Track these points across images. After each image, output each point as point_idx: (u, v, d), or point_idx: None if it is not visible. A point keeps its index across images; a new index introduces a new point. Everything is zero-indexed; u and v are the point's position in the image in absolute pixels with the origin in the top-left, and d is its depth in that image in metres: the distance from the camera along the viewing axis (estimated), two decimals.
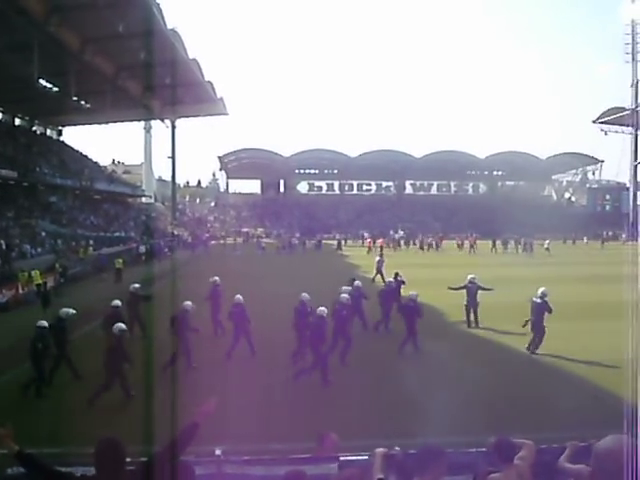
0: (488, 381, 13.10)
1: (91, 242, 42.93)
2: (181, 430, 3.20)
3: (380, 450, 4.95)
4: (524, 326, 15.68)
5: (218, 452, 5.40)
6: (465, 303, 19.13)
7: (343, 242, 63.98)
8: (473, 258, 47.68)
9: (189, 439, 3.49)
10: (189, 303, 15.27)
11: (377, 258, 32.54)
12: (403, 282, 20.93)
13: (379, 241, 58.07)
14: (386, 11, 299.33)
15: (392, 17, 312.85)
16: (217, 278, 19.11)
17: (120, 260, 36.23)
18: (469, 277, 19.44)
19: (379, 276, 29.82)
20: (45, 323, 13.03)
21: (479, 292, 19.20)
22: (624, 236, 66.35)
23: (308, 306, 15.04)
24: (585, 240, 62.77)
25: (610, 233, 62.27)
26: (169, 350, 13.78)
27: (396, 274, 21.63)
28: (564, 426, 8.09)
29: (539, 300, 15.83)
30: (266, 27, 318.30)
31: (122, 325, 13.02)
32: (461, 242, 61.02)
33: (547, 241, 55.02)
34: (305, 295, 15.44)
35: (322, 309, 13.87)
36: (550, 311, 15.59)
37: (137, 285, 19.68)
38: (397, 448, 5.05)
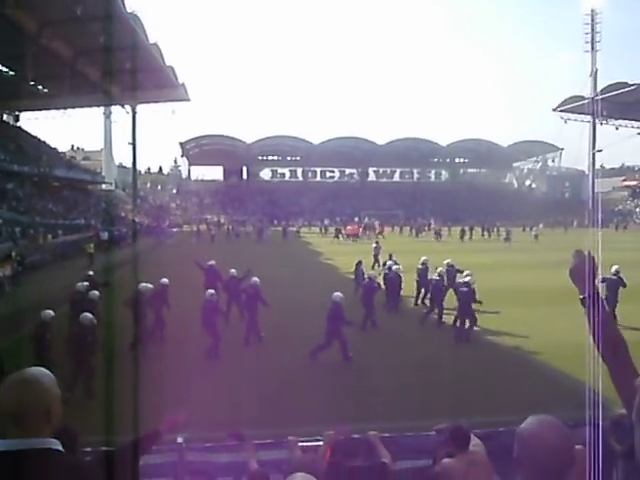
0: None
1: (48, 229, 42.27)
2: (142, 436, 3.11)
3: (329, 434, 5.03)
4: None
5: (180, 440, 5.34)
6: None
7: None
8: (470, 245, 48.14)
9: (148, 446, 3.41)
10: (166, 280, 16.43)
11: (373, 245, 32.41)
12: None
13: (349, 228, 58.77)
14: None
15: (355, 3, 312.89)
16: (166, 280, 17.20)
17: (92, 245, 36.96)
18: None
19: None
20: (51, 313, 12.54)
21: None
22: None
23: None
24: (540, 226, 63.89)
25: (575, 222, 63.39)
26: (128, 336, 13.64)
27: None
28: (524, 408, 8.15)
29: (614, 277, 16.52)
30: (227, 11, 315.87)
31: (90, 315, 12.44)
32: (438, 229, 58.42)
33: (534, 228, 56.81)
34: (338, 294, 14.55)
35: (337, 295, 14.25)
36: (625, 285, 16.41)
37: (91, 272, 19.39)
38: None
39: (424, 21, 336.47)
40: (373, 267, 27.74)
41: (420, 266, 20.23)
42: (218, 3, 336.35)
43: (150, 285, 15.74)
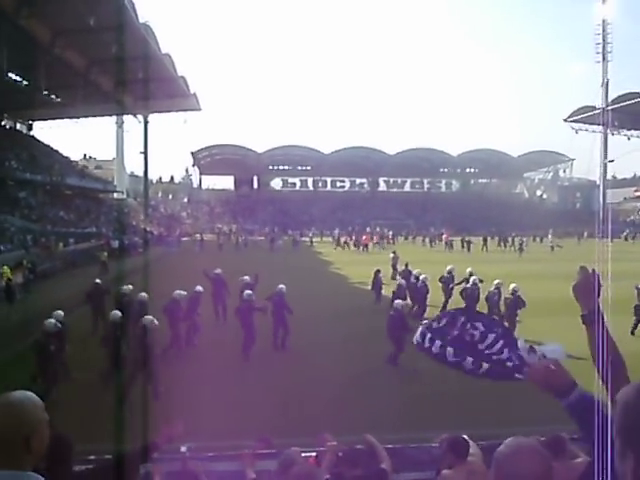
0: None
1: (61, 238, 42.49)
2: (140, 448, 3.09)
3: (331, 445, 5.03)
4: None
5: (183, 449, 5.37)
6: None
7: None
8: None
9: (146, 457, 3.39)
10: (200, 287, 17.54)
11: (391, 255, 32.34)
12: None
13: (364, 237, 58.45)
14: (359, 8, 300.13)
15: (365, 14, 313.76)
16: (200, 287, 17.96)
17: (105, 253, 37.71)
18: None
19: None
20: (54, 322, 12.58)
21: None
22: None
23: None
24: (550, 237, 63.72)
25: (586, 233, 63.01)
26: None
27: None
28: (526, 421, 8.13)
29: None
30: (240, 22, 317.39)
31: (150, 317, 12.93)
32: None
33: (550, 239, 56.60)
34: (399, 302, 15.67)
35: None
36: None
37: (99, 280, 19.56)
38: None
39: (434, 32, 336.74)
40: (394, 277, 27.66)
41: (446, 274, 20.40)
42: (229, 14, 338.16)
43: (184, 292, 16.45)
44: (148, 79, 50.69)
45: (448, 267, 22.05)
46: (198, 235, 62.90)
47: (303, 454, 5.22)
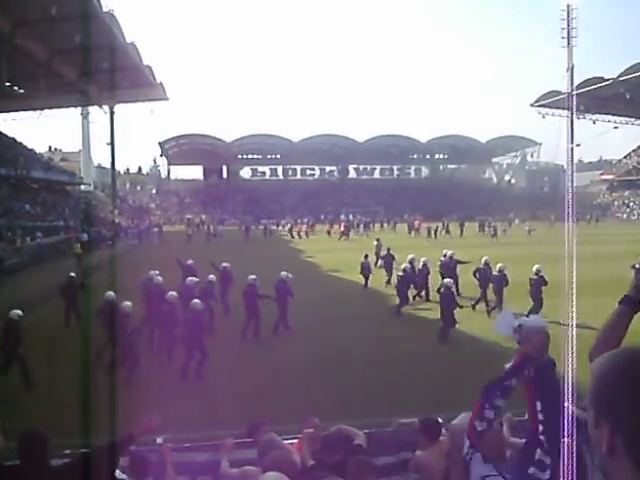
0: None
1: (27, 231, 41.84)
2: (117, 440, 3.04)
3: (308, 432, 5.04)
4: None
5: (159, 440, 5.33)
6: None
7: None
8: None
9: (123, 450, 3.35)
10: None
11: (375, 242, 32.19)
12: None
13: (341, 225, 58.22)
14: None
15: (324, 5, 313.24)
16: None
17: (78, 245, 37.83)
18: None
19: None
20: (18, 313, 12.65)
21: None
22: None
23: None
24: (516, 221, 64.82)
25: (553, 216, 63.90)
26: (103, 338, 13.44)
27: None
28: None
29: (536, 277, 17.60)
30: (205, 10, 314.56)
31: (198, 301, 13.65)
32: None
33: (527, 223, 56.83)
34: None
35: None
36: (546, 284, 17.18)
37: (73, 274, 19.24)
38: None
39: (401, 17, 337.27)
40: (376, 264, 27.69)
41: (482, 266, 20.18)
42: (195, 2, 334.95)
43: (196, 279, 17.30)
44: (113, 69, 50.04)
45: (449, 252, 22.61)
46: (156, 227, 62.00)
47: (288, 441, 5.23)
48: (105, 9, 45.92)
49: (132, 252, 44.05)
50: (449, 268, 21.53)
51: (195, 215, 79.68)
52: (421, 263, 21.67)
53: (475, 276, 19.73)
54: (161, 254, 34.17)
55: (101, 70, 50.18)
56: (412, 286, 20.71)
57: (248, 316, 16.05)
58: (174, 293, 14.92)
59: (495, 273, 18.79)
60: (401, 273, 19.75)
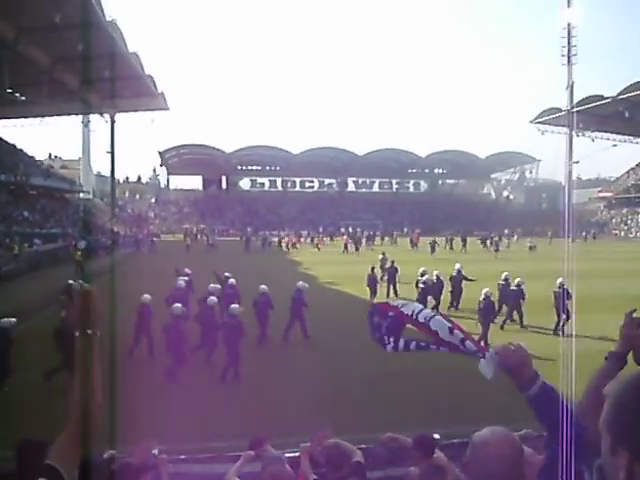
0: None
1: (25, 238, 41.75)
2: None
3: (305, 446, 5.03)
4: None
5: (155, 451, 5.30)
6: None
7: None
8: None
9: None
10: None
11: (380, 256, 32.09)
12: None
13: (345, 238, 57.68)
14: (327, 7, 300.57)
15: (332, 14, 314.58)
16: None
17: (79, 252, 37.75)
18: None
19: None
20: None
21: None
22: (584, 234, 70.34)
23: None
24: (515, 238, 64.55)
25: (550, 232, 63.65)
26: (107, 347, 13.39)
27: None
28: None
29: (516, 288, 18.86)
30: (207, 22, 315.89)
31: (238, 306, 14.23)
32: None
33: (529, 239, 55.43)
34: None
35: None
36: (524, 298, 18.75)
37: (71, 282, 19.13)
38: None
39: (402, 34, 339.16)
40: (382, 278, 27.37)
41: (502, 282, 20.39)
42: (198, 13, 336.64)
43: (218, 286, 17.82)
44: (115, 78, 50.17)
45: (457, 265, 23.10)
46: (152, 237, 61.52)
47: (291, 454, 5.23)
48: (108, 18, 46.09)
49: (128, 261, 44.04)
50: (457, 282, 22.25)
51: (193, 225, 79.65)
52: (434, 276, 21.90)
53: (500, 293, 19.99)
54: (158, 264, 34.20)
55: (103, 79, 50.27)
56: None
57: (261, 322, 16.85)
58: (214, 298, 15.58)
59: (513, 288, 19.14)
60: (422, 285, 20.47)
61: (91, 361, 1.99)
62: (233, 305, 14.28)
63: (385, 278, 26.90)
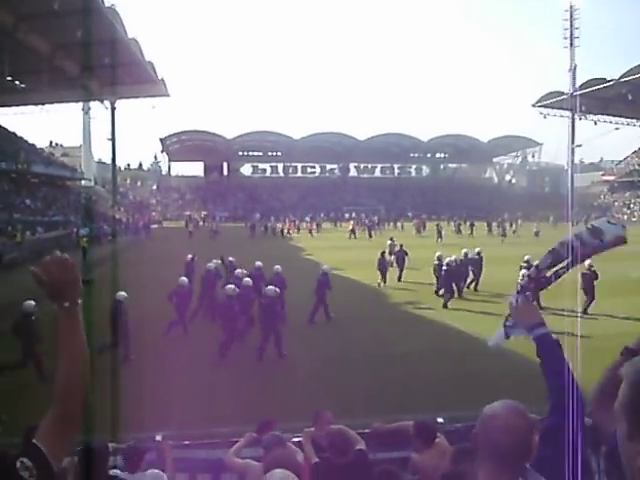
0: None
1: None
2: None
3: (308, 431, 5.02)
4: None
5: (158, 438, 5.31)
6: None
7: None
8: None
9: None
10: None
11: (388, 242, 31.38)
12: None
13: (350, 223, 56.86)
14: None
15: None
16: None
17: (84, 239, 39.07)
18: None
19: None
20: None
21: None
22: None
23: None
24: (519, 222, 63.92)
25: (551, 217, 63.16)
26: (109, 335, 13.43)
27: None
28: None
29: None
30: (207, 6, 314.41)
31: (273, 288, 14.67)
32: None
33: (535, 224, 53.83)
34: None
35: None
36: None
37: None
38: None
39: (402, 16, 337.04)
40: (392, 265, 27.03)
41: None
42: None
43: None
44: (115, 64, 49.98)
45: (477, 249, 23.36)
46: (148, 224, 61.19)
47: (295, 438, 5.23)
48: (107, 4, 45.91)
49: (130, 248, 44.04)
50: (478, 264, 22.81)
51: (195, 211, 79.56)
52: (454, 259, 21.76)
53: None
54: (161, 251, 34.19)
55: (103, 65, 50.12)
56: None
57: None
58: (249, 279, 16.37)
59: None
60: (445, 267, 20.61)
61: (72, 335, 1.95)
62: (269, 287, 14.88)
63: (395, 262, 26.92)
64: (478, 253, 22.94)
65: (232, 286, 14.98)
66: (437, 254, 22.26)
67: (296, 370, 12.81)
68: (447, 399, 10.19)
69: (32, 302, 14.59)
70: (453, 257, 21.52)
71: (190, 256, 21.70)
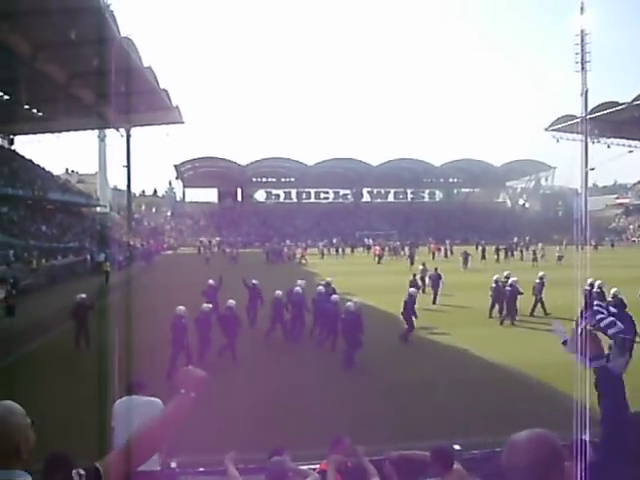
0: None
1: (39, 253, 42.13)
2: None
3: (334, 458, 4.96)
4: None
5: (173, 465, 5.31)
6: None
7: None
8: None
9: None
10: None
11: (420, 267, 31.02)
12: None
13: (376, 248, 55.82)
14: (338, 19, 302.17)
15: (343, 27, 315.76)
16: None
17: (107, 263, 40.21)
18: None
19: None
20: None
21: None
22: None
23: None
24: (540, 245, 62.97)
25: (565, 241, 62.50)
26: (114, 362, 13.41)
27: None
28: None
29: None
30: (221, 35, 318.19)
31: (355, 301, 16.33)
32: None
33: (558, 248, 50.98)
34: None
35: None
36: None
37: (83, 295, 18.90)
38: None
39: (416, 42, 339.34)
40: (424, 290, 26.56)
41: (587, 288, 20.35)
42: (211, 27, 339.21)
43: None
44: (130, 92, 50.61)
45: (540, 273, 23.37)
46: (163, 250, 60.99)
47: (311, 466, 5.18)
48: (123, 33, 46.62)
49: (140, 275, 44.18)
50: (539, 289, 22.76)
51: (210, 237, 79.85)
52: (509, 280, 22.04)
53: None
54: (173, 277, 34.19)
55: (118, 93, 50.66)
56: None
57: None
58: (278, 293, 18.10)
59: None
60: (509, 288, 20.99)
61: (175, 415, 2.26)
62: (349, 303, 16.32)
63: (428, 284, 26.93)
64: (540, 278, 22.88)
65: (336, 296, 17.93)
66: (495, 277, 22.48)
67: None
68: None
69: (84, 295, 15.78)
70: (515, 278, 21.76)
71: (212, 282, 21.50)
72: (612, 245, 70.49)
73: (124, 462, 2.05)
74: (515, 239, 65.72)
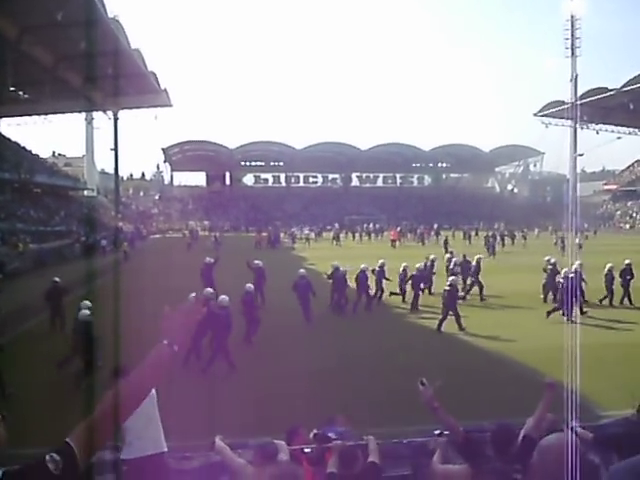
0: None
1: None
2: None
3: (338, 443, 4.89)
4: None
5: (164, 449, 5.28)
6: None
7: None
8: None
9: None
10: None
11: (447, 255, 28.60)
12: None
13: (392, 232, 54.90)
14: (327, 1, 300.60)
15: (333, 7, 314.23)
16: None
17: (125, 243, 42.76)
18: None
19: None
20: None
21: None
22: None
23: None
24: (536, 231, 63.08)
25: (550, 227, 62.65)
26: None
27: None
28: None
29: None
30: (209, 17, 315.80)
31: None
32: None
33: (559, 233, 50.86)
34: None
35: None
36: None
37: (57, 279, 18.64)
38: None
39: (405, 27, 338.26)
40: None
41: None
42: (199, 8, 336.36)
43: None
44: (118, 75, 50.23)
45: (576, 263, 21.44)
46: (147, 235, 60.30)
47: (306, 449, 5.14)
48: (110, 15, 46.11)
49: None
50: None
51: (197, 221, 79.65)
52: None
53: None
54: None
55: (106, 76, 50.27)
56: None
57: (359, 294, 20.29)
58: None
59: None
60: (562, 280, 20.06)
61: (154, 367, 2.09)
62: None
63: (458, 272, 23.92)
64: (609, 269, 21.66)
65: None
66: (551, 259, 22.37)
67: None
68: None
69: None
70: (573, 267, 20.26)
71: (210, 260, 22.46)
72: (576, 233, 69.29)
73: (100, 426, 1.92)
74: (496, 225, 65.52)
